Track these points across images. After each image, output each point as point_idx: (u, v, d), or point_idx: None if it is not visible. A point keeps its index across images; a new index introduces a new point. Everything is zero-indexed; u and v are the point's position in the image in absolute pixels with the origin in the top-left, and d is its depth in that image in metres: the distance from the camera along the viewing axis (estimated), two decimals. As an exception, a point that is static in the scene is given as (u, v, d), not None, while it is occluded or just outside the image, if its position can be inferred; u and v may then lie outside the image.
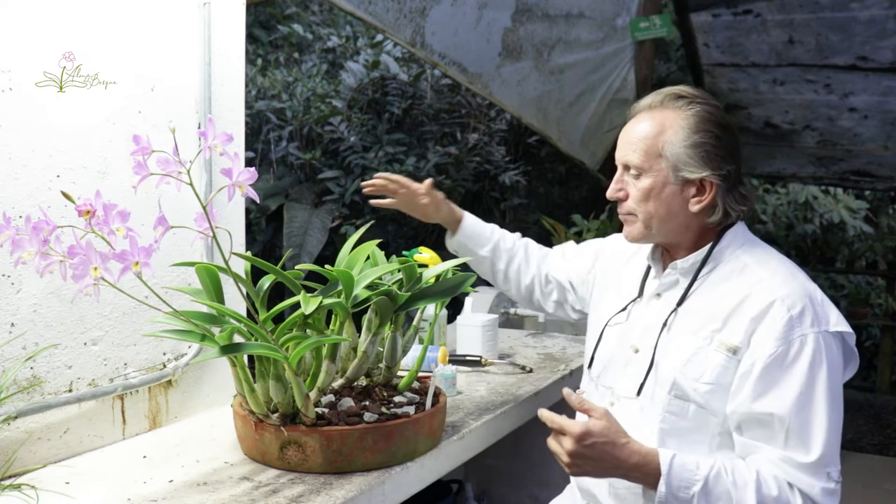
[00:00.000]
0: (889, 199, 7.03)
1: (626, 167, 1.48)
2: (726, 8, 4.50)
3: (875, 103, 4.83)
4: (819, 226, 6.73)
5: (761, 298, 1.35)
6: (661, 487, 1.29)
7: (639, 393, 1.47)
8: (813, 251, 6.25)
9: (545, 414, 1.37)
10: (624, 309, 1.58)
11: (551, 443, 1.37)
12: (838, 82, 4.75)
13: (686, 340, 1.42)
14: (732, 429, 1.38)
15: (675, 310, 1.46)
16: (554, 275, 1.88)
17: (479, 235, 1.90)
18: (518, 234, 1.96)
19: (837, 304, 6.90)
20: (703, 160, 1.40)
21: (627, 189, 1.48)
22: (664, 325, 1.46)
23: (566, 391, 1.38)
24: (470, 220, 1.91)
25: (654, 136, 1.43)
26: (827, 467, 1.30)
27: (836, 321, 1.36)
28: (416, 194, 1.86)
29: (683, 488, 1.29)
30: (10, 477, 1.38)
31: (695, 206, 1.43)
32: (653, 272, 1.57)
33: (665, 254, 1.55)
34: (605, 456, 1.31)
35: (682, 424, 1.41)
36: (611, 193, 1.51)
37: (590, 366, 1.63)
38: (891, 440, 4.63)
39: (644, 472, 1.31)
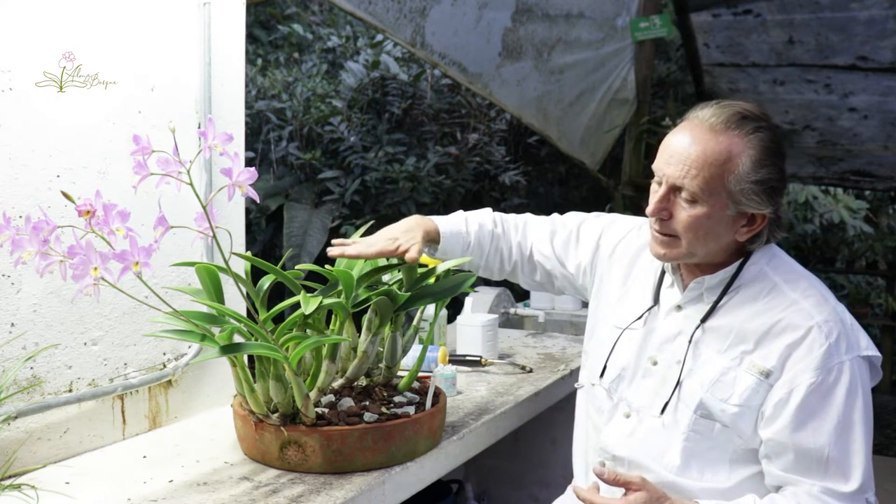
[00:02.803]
0: (889, 199, 7.03)
1: (677, 189, 1.35)
2: (726, 8, 4.50)
3: (875, 103, 4.82)
4: (819, 226, 6.73)
5: (797, 323, 1.33)
6: None
7: (663, 411, 1.43)
8: (813, 251, 6.25)
9: (584, 495, 1.37)
10: (640, 317, 1.52)
11: None
12: (838, 82, 4.74)
13: (713, 359, 1.39)
14: (762, 455, 1.37)
15: (700, 326, 1.42)
16: (539, 260, 1.72)
17: (455, 237, 1.68)
18: (488, 214, 1.74)
19: (837, 304, 6.80)
20: (767, 197, 1.34)
21: (673, 210, 1.37)
22: (690, 341, 1.42)
23: (597, 469, 1.37)
24: (444, 229, 1.67)
25: (719, 164, 1.31)
26: (865, 493, 1.31)
27: (867, 345, 1.36)
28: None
29: None
30: (10, 477, 1.38)
31: (744, 237, 1.39)
32: (668, 281, 1.51)
33: (684, 265, 1.48)
34: None
35: (706, 444, 1.40)
36: (654, 212, 1.38)
37: (602, 373, 1.56)
38: (891, 440, 4.63)
39: None
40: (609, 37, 4.20)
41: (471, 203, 5.50)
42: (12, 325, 1.41)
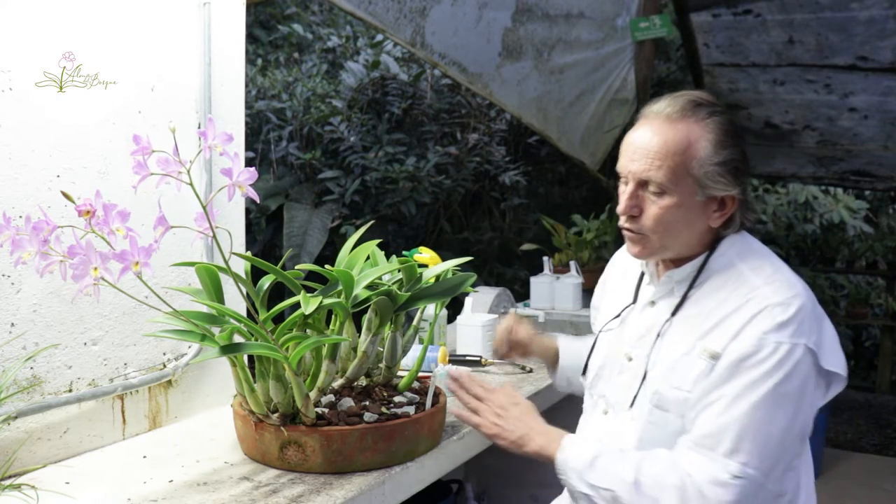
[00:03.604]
0: (889, 199, 7.03)
1: (644, 183, 1.37)
2: (726, 8, 4.50)
3: (875, 103, 4.82)
4: (819, 226, 6.73)
5: (754, 306, 1.31)
6: (559, 454, 1.37)
7: (632, 405, 1.44)
8: (813, 251, 6.25)
9: (457, 380, 1.46)
10: (618, 315, 1.55)
11: (474, 403, 1.43)
12: (838, 82, 4.75)
13: (674, 350, 1.39)
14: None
15: (669, 319, 1.42)
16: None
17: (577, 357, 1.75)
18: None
19: (837, 305, 6.80)
20: (732, 177, 1.35)
21: (643, 206, 1.38)
22: (658, 335, 1.42)
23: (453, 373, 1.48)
24: (565, 348, 1.79)
25: (681, 151, 1.34)
26: (748, 467, 1.26)
27: (832, 358, 1.31)
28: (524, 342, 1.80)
29: (578, 457, 1.36)
30: (10, 477, 1.38)
31: (717, 221, 1.39)
32: (647, 278, 1.53)
33: (661, 261, 1.50)
34: (524, 416, 1.42)
35: (660, 435, 1.38)
36: (625, 209, 1.40)
37: (584, 373, 1.61)
38: (891, 440, 4.63)
39: (548, 439, 1.40)
40: (609, 37, 4.20)
41: (471, 203, 5.50)
42: (12, 325, 1.41)
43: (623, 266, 1.65)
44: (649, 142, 1.36)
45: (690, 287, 1.41)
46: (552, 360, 1.82)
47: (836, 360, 1.32)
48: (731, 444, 1.26)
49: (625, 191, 1.41)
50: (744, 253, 1.41)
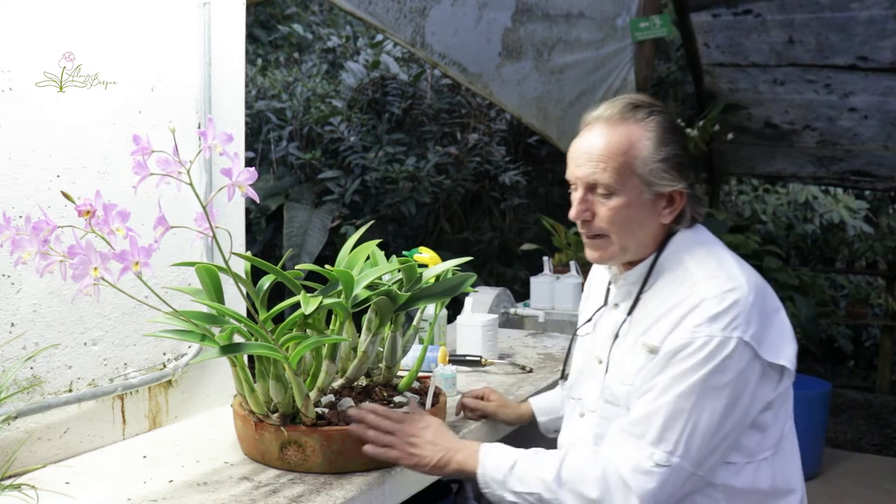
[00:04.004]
0: (889, 199, 7.04)
1: (592, 186, 1.40)
2: (726, 8, 4.50)
3: (875, 103, 4.83)
4: (819, 226, 6.74)
5: (692, 300, 1.33)
6: (479, 469, 1.37)
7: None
8: (813, 251, 6.25)
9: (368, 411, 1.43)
10: (590, 319, 1.58)
11: (386, 439, 1.41)
12: (838, 82, 4.75)
13: (626, 348, 1.42)
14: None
15: (625, 320, 1.44)
16: None
17: (552, 405, 1.80)
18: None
19: (837, 305, 6.79)
20: (677, 172, 1.38)
21: (595, 209, 1.41)
22: (616, 336, 1.45)
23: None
24: (537, 405, 1.82)
25: (624, 152, 1.37)
26: (656, 447, 1.27)
27: (773, 349, 1.31)
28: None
29: (497, 468, 1.35)
30: (10, 477, 1.38)
31: (667, 218, 1.41)
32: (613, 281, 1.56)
33: (623, 264, 1.51)
34: (437, 438, 1.41)
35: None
36: (576, 215, 1.43)
37: (564, 378, 1.64)
38: (891, 440, 4.63)
39: (465, 455, 1.39)
40: (609, 37, 4.20)
41: (471, 203, 5.50)
42: (12, 325, 1.41)
43: (601, 270, 1.67)
44: (592, 146, 1.40)
45: (642, 287, 1.43)
46: (530, 421, 1.83)
47: (782, 354, 1.32)
48: (657, 433, 1.27)
49: (575, 197, 1.43)
50: (692, 248, 1.42)
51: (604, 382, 1.44)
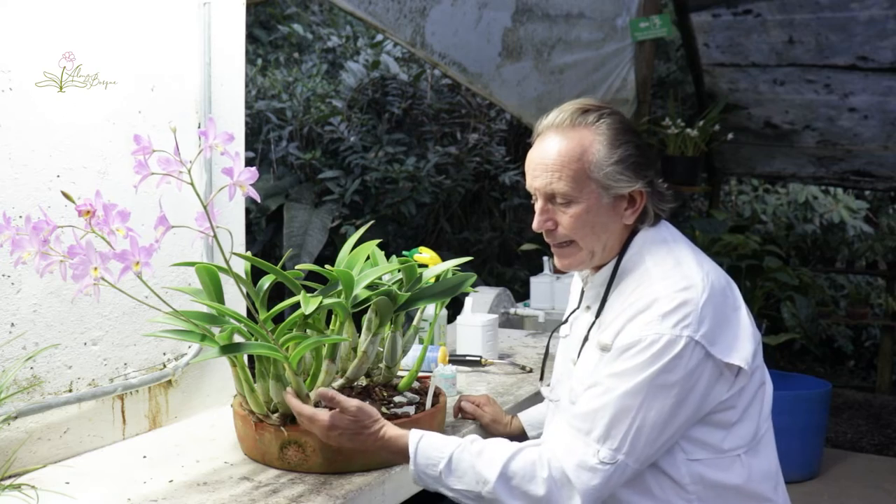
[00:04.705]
0: (889, 199, 7.03)
1: (551, 196, 1.39)
2: (726, 8, 4.50)
3: (875, 103, 4.82)
4: (819, 226, 6.73)
5: (645, 300, 1.33)
6: (411, 466, 1.33)
7: None
8: (813, 251, 6.24)
9: (293, 403, 1.38)
10: (566, 321, 1.59)
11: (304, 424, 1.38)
12: (838, 82, 4.75)
13: (588, 349, 1.42)
14: None
15: (594, 321, 1.44)
16: None
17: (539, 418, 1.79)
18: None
19: (837, 305, 6.76)
20: (633, 172, 1.37)
21: (556, 218, 1.40)
22: (586, 338, 1.45)
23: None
24: (527, 419, 1.79)
25: (577, 158, 1.36)
26: (602, 444, 1.27)
27: (724, 347, 1.30)
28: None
29: (431, 466, 1.32)
30: (10, 477, 1.38)
31: (629, 218, 1.41)
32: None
33: (593, 268, 1.51)
34: (356, 438, 1.35)
35: None
36: (538, 226, 1.42)
37: (541, 379, 1.65)
38: (891, 440, 4.63)
39: (393, 452, 1.35)
40: (609, 37, 4.20)
41: (471, 203, 5.50)
42: (12, 325, 1.41)
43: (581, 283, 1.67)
44: (546, 155, 1.39)
45: (608, 289, 1.43)
46: (520, 437, 1.81)
47: (737, 353, 1.32)
48: (603, 429, 1.28)
49: (536, 207, 1.43)
50: (653, 247, 1.42)
51: (571, 383, 1.45)
